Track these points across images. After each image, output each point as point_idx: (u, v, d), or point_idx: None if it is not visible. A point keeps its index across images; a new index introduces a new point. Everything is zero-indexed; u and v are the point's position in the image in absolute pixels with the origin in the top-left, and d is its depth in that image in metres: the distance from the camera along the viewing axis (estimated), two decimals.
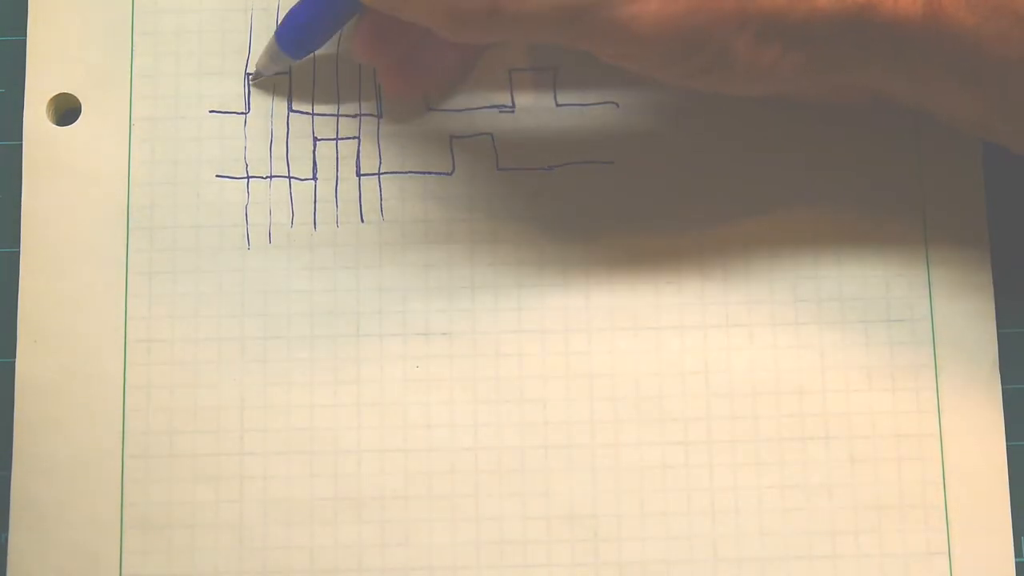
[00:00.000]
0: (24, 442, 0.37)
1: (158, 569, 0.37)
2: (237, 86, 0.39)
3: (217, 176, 0.39)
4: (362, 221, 0.38)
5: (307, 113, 0.39)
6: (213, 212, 0.38)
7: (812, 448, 0.37)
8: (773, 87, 0.33)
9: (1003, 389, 0.37)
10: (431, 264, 0.38)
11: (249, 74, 0.39)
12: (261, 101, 0.39)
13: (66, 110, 0.39)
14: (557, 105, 0.39)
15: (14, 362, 0.38)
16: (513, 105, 0.39)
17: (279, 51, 0.37)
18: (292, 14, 0.37)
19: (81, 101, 0.39)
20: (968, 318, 0.38)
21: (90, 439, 0.37)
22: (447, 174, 0.39)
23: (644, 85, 0.39)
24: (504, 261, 0.38)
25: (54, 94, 0.39)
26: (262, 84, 0.39)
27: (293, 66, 0.39)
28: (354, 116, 0.39)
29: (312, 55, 0.39)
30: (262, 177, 0.39)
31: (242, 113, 0.39)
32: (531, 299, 0.38)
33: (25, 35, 0.39)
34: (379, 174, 0.39)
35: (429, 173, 0.39)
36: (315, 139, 0.39)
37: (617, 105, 0.39)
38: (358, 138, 0.39)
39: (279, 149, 0.39)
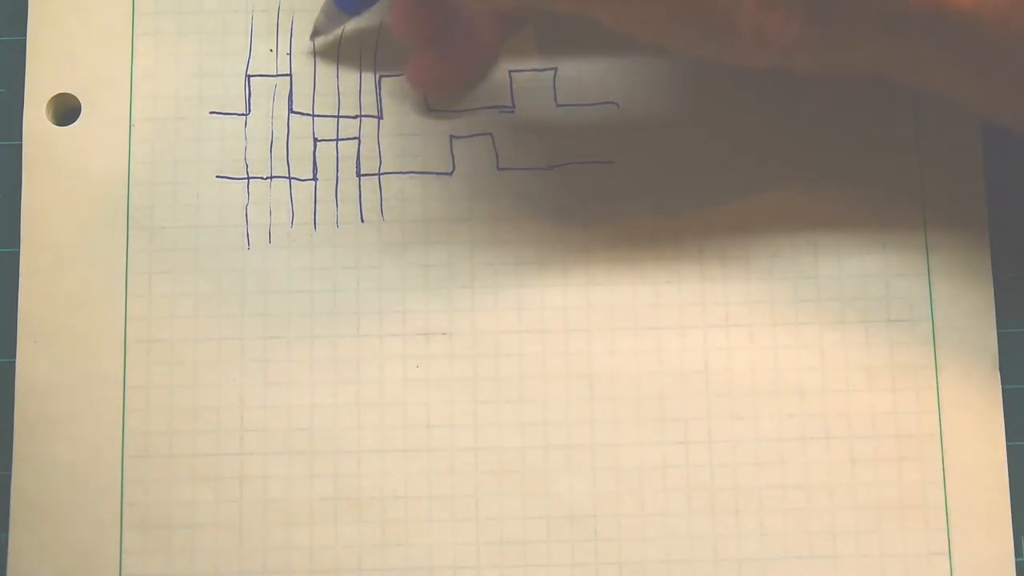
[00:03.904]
0: (24, 442, 0.37)
1: (158, 569, 0.37)
2: (238, 87, 0.39)
3: (217, 177, 0.39)
4: (362, 221, 0.38)
5: (307, 114, 0.39)
6: (213, 212, 0.38)
7: (812, 448, 0.37)
8: (775, 58, 0.33)
9: (1003, 389, 0.37)
10: (431, 264, 0.38)
11: (312, 39, 0.39)
12: (261, 102, 0.39)
13: (66, 110, 0.39)
14: (557, 105, 0.39)
15: (14, 362, 0.38)
16: (513, 105, 0.39)
17: (334, 7, 0.37)
18: None
19: (81, 101, 0.39)
20: (968, 318, 0.38)
21: (90, 439, 0.37)
22: (447, 174, 0.39)
23: (644, 85, 0.39)
24: (504, 261, 0.38)
25: (54, 94, 0.39)
26: (263, 84, 0.39)
27: (347, 26, 0.39)
28: (354, 117, 0.39)
29: (312, 58, 0.39)
30: (262, 178, 0.39)
31: (242, 114, 0.39)
32: (531, 299, 0.38)
33: (25, 35, 0.39)
34: (379, 174, 0.39)
35: (429, 173, 0.39)
36: (315, 140, 0.39)
37: (617, 105, 0.39)
38: (358, 139, 0.39)
39: (279, 150, 0.39)
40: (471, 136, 0.39)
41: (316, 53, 0.39)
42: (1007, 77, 0.32)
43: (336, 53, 0.39)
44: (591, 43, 0.39)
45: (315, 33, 0.39)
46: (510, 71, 0.39)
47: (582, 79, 0.39)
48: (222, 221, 0.38)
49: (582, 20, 0.33)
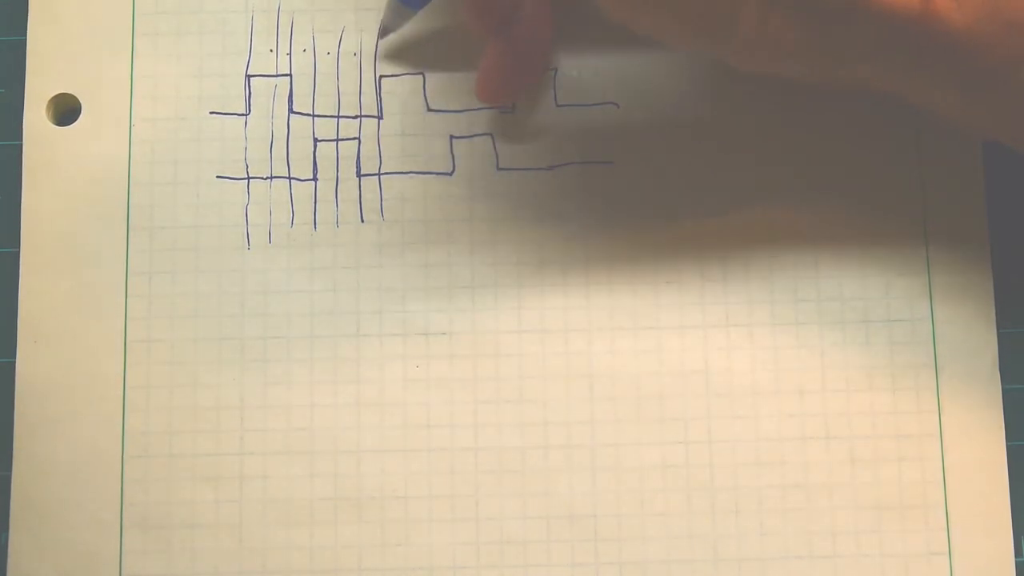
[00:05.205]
0: (24, 442, 0.37)
1: (158, 569, 0.37)
2: (238, 87, 0.39)
3: (217, 177, 0.39)
4: (362, 221, 0.38)
5: (307, 114, 0.39)
6: (213, 212, 0.38)
7: (812, 448, 0.37)
8: (774, 62, 0.33)
9: (1003, 389, 0.37)
10: (431, 264, 0.38)
11: (378, 36, 0.39)
12: (261, 102, 0.39)
13: (66, 110, 0.39)
14: (557, 105, 0.39)
15: (14, 362, 0.38)
16: (513, 105, 0.39)
17: (399, 4, 0.37)
18: None
19: (81, 101, 0.39)
20: (968, 318, 0.38)
21: (90, 439, 0.37)
22: (447, 174, 0.39)
23: (644, 85, 0.39)
24: (504, 261, 0.38)
25: (54, 94, 0.39)
26: (263, 84, 0.39)
27: (415, 20, 0.39)
28: (354, 117, 0.39)
29: (312, 59, 0.39)
30: (262, 178, 0.39)
31: (242, 114, 0.39)
32: (531, 299, 0.38)
33: (25, 35, 0.39)
34: (379, 174, 0.39)
35: (429, 173, 0.39)
36: (315, 140, 0.39)
37: (617, 105, 0.39)
38: (358, 139, 0.39)
39: (279, 150, 0.39)
40: (471, 136, 0.39)
41: (378, 50, 0.39)
42: (1003, 100, 0.32)
43: (336, 52, 0.39)
44: (591, 43, 0.39)
45: (383, 32, 0.39)
46: None
47: (582, 79, 0.39)
48: (222, 221, 0.38)
49: (584, 14, 0.33)
